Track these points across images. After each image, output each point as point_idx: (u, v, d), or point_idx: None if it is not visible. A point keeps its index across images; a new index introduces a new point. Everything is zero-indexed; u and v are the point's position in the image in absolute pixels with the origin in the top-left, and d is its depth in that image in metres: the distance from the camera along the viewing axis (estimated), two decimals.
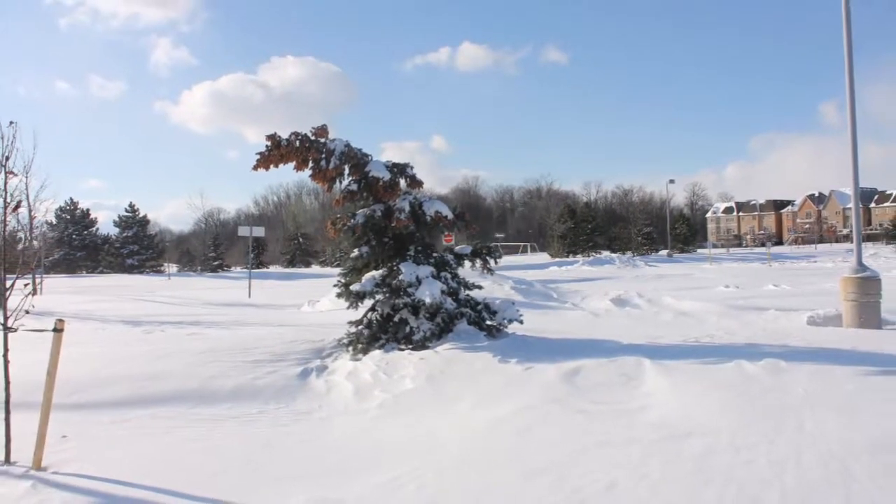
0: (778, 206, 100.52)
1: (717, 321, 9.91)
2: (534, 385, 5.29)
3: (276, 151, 6.75)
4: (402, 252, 7.23)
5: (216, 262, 49.00)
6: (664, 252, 52.16)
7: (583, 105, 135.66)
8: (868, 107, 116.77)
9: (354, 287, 6.96)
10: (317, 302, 14.66)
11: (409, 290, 6.85)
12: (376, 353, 6.67)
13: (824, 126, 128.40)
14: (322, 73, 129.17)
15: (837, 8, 8.80)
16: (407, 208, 6.96)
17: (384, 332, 7.07)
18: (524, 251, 61.01)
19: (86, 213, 51.45)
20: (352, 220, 7.16)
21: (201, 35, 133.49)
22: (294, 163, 6.90)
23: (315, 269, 50.64)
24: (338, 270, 8.28)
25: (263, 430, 4.81)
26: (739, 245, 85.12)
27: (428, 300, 6.66)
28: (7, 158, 4.07)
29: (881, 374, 5.04)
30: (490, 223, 76.95)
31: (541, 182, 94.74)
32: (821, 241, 75.76)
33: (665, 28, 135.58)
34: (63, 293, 20.75)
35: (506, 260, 15.40)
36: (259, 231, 22.53)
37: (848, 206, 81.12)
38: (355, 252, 7.27)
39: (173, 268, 49.67)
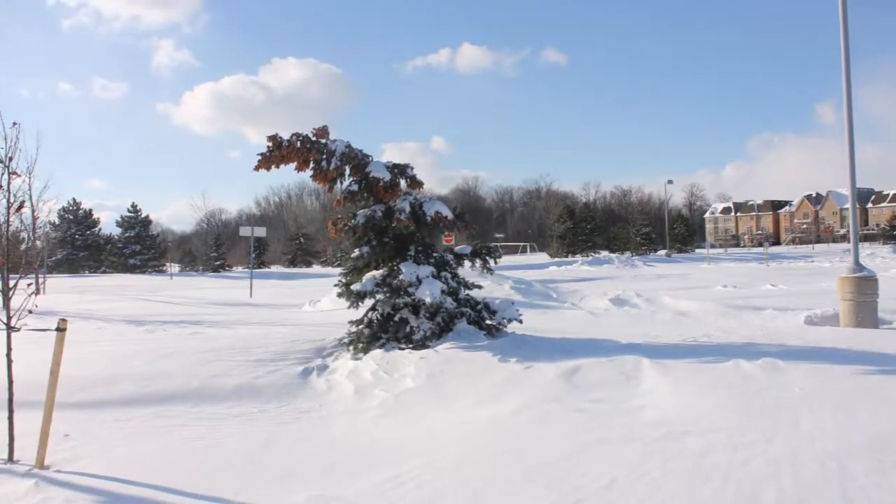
0: (775, 206, 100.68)
1: (715, 321, 9.95)
2: (533, 384, 5.31)
3: (278, 152, 6.78)
4: (403, 252, 7.25)
5: (218, 262, 49.10)
6: (662, 252, 52.23)
7: (582, 106, 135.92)
8: (865, 107, 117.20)
9: (355, 287, 6.98)
10: (318, 301, 14.69)
11: (410, 289, 6.88)
12: (377, 353, 6.69)
13: (822, 126, 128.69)
14: (323, 75, 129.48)
15: (835, 9, 8.85)
16: (407, 209, 6.99)
17: (385, 331, 7.10)
18: (523, 251, 61.02)
19: (88, 214, 51.61)
20: (353, 221, 7.18)
21: (203, 37, 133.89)
22: (295, 163, 6.92)
23: (316, 268, 50.73)
24: (339, 270, 8.30)
25: (265, 428, 4.83)
26: (737, 245, 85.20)
27: (428, 300, 6.69)
28: (10, 159, 4.09)
29: (878, 373, 5.08)
30: (490, 223, 77.00)
31: (540, 182, 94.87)
32: (818, 242, 75.85)
33: (663, 29, 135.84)
34: (66, 293, 20.72)
35: (505, 260, 15.39)
36: (260, 231, 22.56)
37: (845, 206, 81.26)
38: (356, 252, 7.29)
39: (175, 268, 49.80)
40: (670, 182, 52.78)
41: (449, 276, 7.27)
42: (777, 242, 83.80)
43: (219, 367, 6.24)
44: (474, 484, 3.41)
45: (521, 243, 64.26)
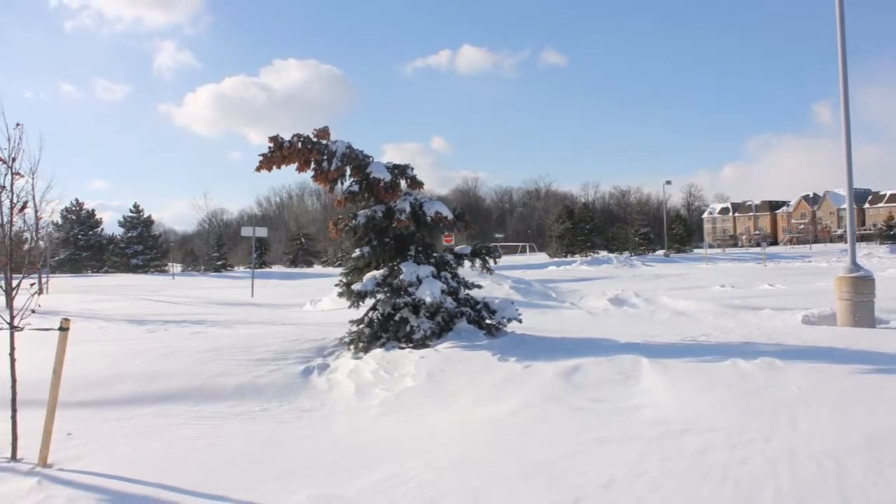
0: (773, 206, 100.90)
1: (713, 320, 9.97)
2: (533, 383, 5.33)
3: (279, 153, 6.79)
4: (403, 252, 7.28)
5: (220, 262, 49.21)
6: (661, 252, 52.31)
7: (581, 107, 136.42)
8: (863, 108, 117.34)
9: (356, 286, 7.00)
10: (319, 301, 14.71)
11: (410, 289, 6.91)
12: (377, 352, 6.71)
13: (819, 127, 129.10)
14: (324, 76, 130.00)
15: (832, 10, 8.88)
16: (408, 209, 7.01)
17: (385, 330, 7.12)
18: (523, 251, 61.07)
19: (91, 214, 51.82)
20: (353, 221, 7.21)
21: (204, 38, 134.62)
22: (296, 164, 6.93)
23: (317, 268, 50.86)
24: (339, 270, 8.32)
25: (266, 427, 4.84)
26: (735, 245, 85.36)
27: (428, 299, 6.72)
28: (14, 160, 4.10)
29: (875, 372, 5.10)
30: (489, 223, 77.12)
31: (539, 183, 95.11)
32: (815, 242, 76.04)
33: (662, 31, 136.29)
34: (68, 293, 20.71)
35: (505, 260, 15.42)
36: (262, 231, 22.62)
37: (842, 206, 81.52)
38: (357, 252, 7.31)
39: (177, 268, 49.92)
40: (669, 182, 52.85)
41: (449, 275, 7.30)
42: (775, 242, 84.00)
43: (220, 367, 6.25)
44: (474, 483, 3.42)
45: (521, 243, 64.31)
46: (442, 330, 7.03)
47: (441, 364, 6.05)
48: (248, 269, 41.95)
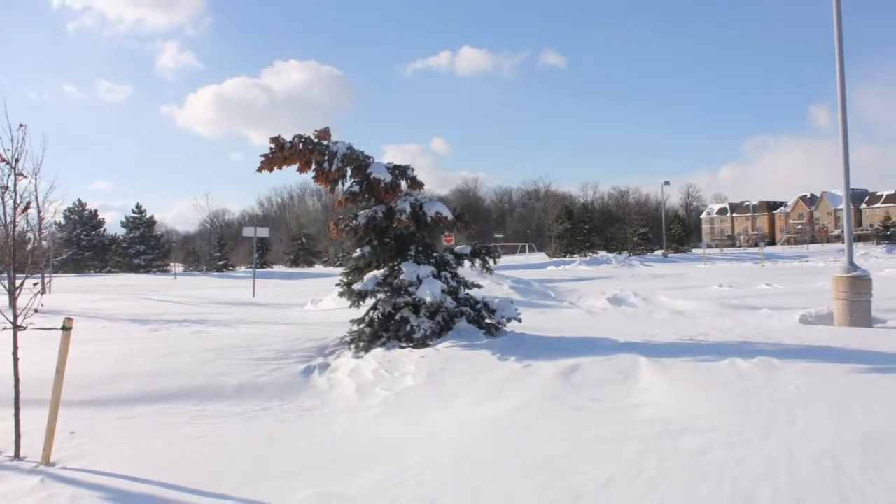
0: (771, 207, 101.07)
1: (711, 319, 10.01)
2: (532, 382, 5.35)
3: (280, 154, 6.82)
4: (403, 252, 7.30)
5: (221, 262, 49.31)
6: (659, 252, 52.41)
7: (580, 108, 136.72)
8: (859, 109, 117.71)
9: (356, 286, 7.03)
10: (319, 301, 14.74)
11: (410, 289, 6.94)
12: (378, 351, 6.74)
13: (816, 128, 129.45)
14: (324, 77, 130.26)
15: (829, 11, 8.91)
16: (408, 209, 7.04)
17: (385, 330, 7.15)
18: (522, 251, 61.11)
19: (93, 214, 51.95)
20: (354, 221, 7.23)
21: (206, 39, 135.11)
22: (297, 165, 6.96)
23: (318, 268, 50.95)
24: (340, 270, 8.34)
25: (267, 426, 4.86)
26: (733, 245, 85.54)
27: (428, 299, 6.75)
28: (17, 161, 4.12)
29: (871, 371, 5.12)
30: (489, 224, 77.19)
31: (539, 183, 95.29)
32: (812, 242, 76.19)
33: (660, 33, 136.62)
34: (71, 292, 20.70)
35: (504, 260, 15.44)
36: (263, 231, 22.70)
37: (839, 207, 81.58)
38: (357, 252, 7.34)
39: (179, 267, 50.14)
40: (667, 183, 52.85)
41: (449, 275, 7.33)
42: (772, 242, 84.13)
43: (222, 366, 6.27)
44: (474, 481, 3.44)
45: (520, 243, 64.36)
46: (442, 329, 7.06)
47: (441, 363, 6.07)
48: (249, 269, 42.13)
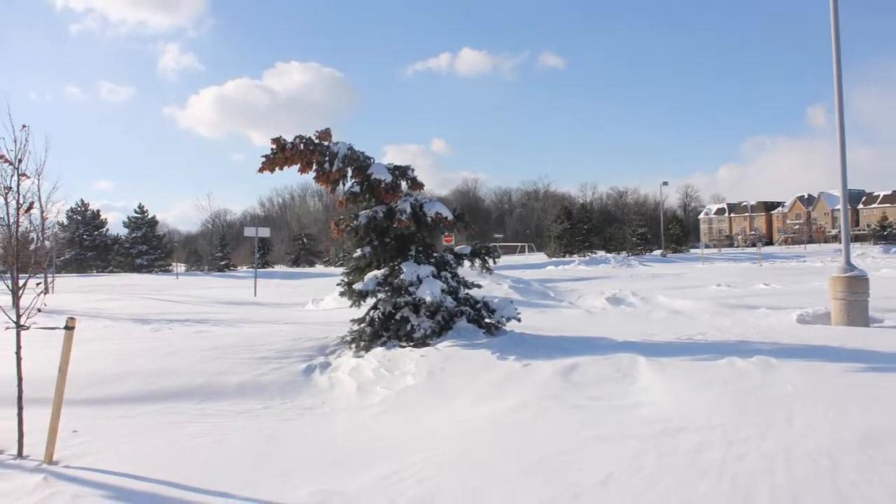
0: (768, 207, 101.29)
1: (710, 319, 10.05)
2: (531, 381, 5.37)
3: (281, 154, 6.84)
4: (404, 252, 7.33)
5: (223, 262, 49.37)
6: (658, 252, 52.45)
7: (579, 109, 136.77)
8: (857, 110, 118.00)
9: (357, 286, 7.06)
10: (320, 300, 14.76)
11: (411, 288, 6.96)
12: (378, 350, 6.76)
13: (813, 129, 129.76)
14: (325, 79, 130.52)
15: (827, 12, 8.95)
16: (408, 209, 7.06)
17: (386, 329, 7.17)
18: (522, 251, 61.13)
19: (96, 214, 51.82)
20: (355, 221, 7.26)
21: (208, 41, 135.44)
22: (298, 165, 6.98)
23: (319, 268, 50.99)
24: (341, 270, 8.37)
25: (268, 424, 4.88)
26: (731, 245, 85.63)
27: (428, 299, 6.77)
28: (20, 161, 4.14)
29: (868, 370, 5.14)
30: (489, 224, 77.25)
31: (538, 184, 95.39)
32: (810, 242, 76.34)
33: (659, 34, 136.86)
34: (74, 292, 20.66)
35: (504, 260, 15.47)
36: (264, 232, 22.76)
37: (836, 207, 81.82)
38: (358, 252, 7.36)
39: (181, 267, 50.15)
40: (665, 184, 52.93)
41: (449, 275, 7.35)
42: (770, 243, 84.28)
43: (223, 365, 6.29)
44: (474, 480, 3.45)
45: (520, 243, 64.38)
46: (442, 329, 7.08)
47: (441, 362, 6.09)
48: (250, 269, 42.20)
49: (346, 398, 5.63)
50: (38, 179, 11.20)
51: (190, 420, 5.00)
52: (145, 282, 31.78)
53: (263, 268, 47.59)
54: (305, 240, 60.29)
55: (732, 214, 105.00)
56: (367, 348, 6.90)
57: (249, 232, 22.03)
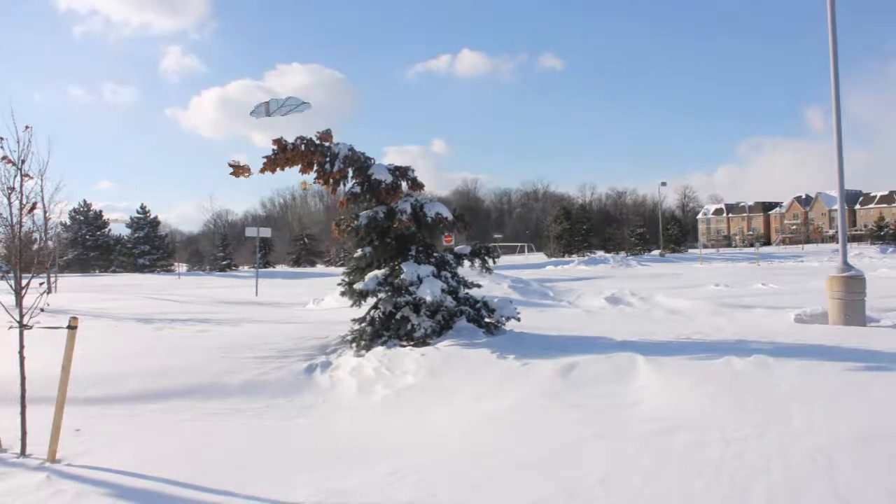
0: (766, 207, 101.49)
1: (707, 318, 10.08)
2: (530, 380, 5.38)
3: (283, 155, 6.87)
4: (404, 252, 7.35)
5: (224, 262, 49.45)
6: (656, 252, 52.54)
7: (578, 110, 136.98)
8: (854, 111, 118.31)
9: (358, 286, 7.08)
10: (321, 300, 14.76)
11: (411, 288, 6.99)
12: (379, 350, 6.78)
13: (811, 130, 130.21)
14: (326, 80, 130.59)
15: (824, 14, 9.00)
16: (408, 210, 7.09)
17: (386, 329, 7.20)
18: (521, 251, 61.08)
19: (98, 215, 51.79)
20: (355, 222, 7.28)
21: (210, 43, 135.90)
22: (300, 166, 7.00)
23: (320, 268, 51.06)
24: (342, 270, 8.39)
25: (270, 423, 4.91)
26: (729, 245, 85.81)
27: (429, 298, 6.80)
28: (23, 162, 4.17)
29: (865, 369, 5.14)
30: (488, 224, 77.43)
31: (537, 185, 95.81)
32: (807, 242, 76.53)
33: (658, 36, 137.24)
34: (77, 292, 20.59)
35: (504, 260, 15.53)
36: (266, 232, 22.84)
37: (834, 207, 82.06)
38: (359, 252, 7.38)
39: (183, 267, 50.29)
40: (664, 184, 53.01)
41: (449, 275, 7.38)
42: (767, 243, 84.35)
43: (226, 364, 6.32)
44: (473, 477, 3.47)
45: (519, 243, 64.30)
46: (442, 328, 7.11)
47: (441, 362, 6.11)
48: (252, 269, 42.20)
49: (347, 397, 5.65)
50: (41, 180, 11.20)
51: (192, 419, 5.02)
52: (147, 281, 31.79)
53: (265, 268, 47.67)
54: (306, 240, 60.36)
55: (730, 215, 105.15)
56: (368, 347, 6.92)
57: (251, 232, 22.06)
